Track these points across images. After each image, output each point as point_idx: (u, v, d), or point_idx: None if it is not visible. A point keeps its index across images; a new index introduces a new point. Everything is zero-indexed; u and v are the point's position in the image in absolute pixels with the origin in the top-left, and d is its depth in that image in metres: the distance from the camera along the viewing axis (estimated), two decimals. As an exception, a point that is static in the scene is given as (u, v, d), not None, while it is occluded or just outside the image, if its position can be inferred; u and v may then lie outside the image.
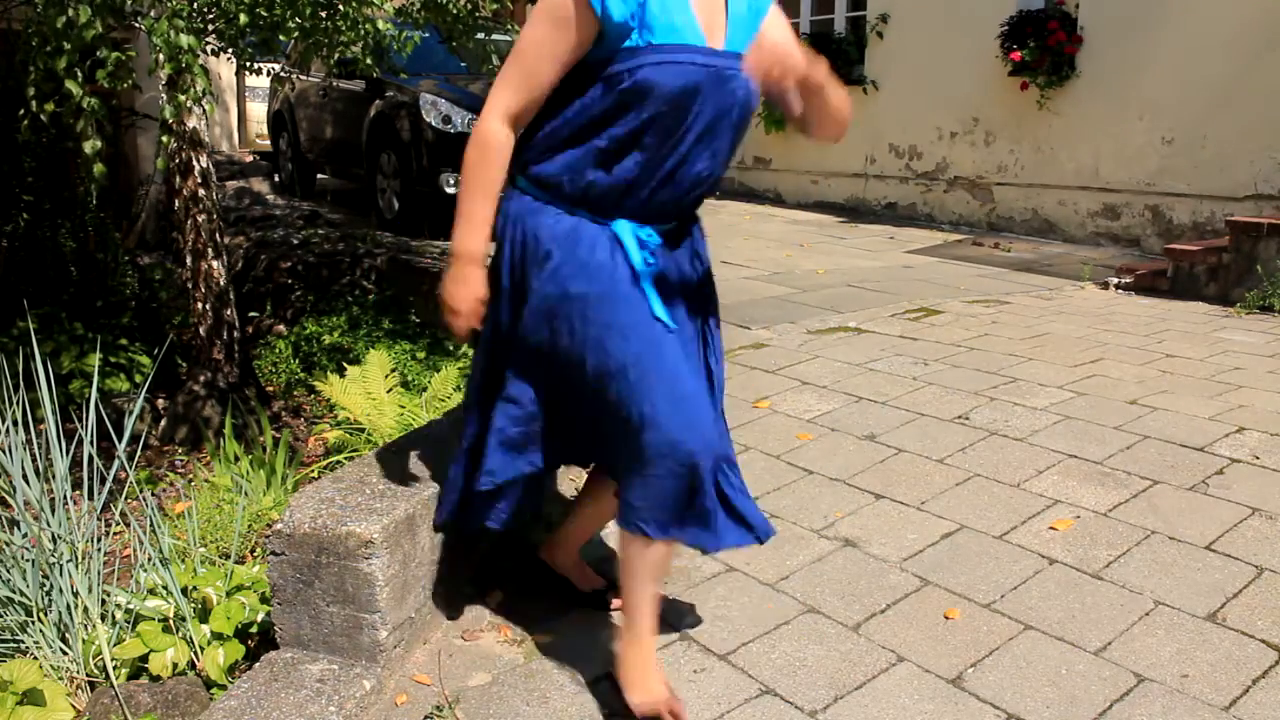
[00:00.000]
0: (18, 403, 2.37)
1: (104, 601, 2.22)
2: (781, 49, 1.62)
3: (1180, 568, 2.38)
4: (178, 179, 3.92)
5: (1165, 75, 6.56)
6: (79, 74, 2.78)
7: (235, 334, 4.05)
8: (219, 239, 3.99)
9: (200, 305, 3.96)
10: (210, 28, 3.54)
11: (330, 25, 3.58)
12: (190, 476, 3.43)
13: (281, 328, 5.74)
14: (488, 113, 1.75)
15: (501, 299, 1.87)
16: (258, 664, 2.00)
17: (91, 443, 2.33)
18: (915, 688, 1.95)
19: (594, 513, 2.24)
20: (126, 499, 2.50)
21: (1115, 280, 5.75)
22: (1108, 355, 4.20)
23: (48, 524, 2.23)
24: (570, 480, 2.84)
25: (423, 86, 6.90)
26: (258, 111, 11.02)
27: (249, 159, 11.08)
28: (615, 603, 2.17)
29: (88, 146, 2.84)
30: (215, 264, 3.95)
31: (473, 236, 1.80)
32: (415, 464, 2.27)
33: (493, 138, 1.75)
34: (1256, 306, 5.06)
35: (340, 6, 3.57)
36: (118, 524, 2.56)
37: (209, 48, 3.65)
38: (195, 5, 3.17)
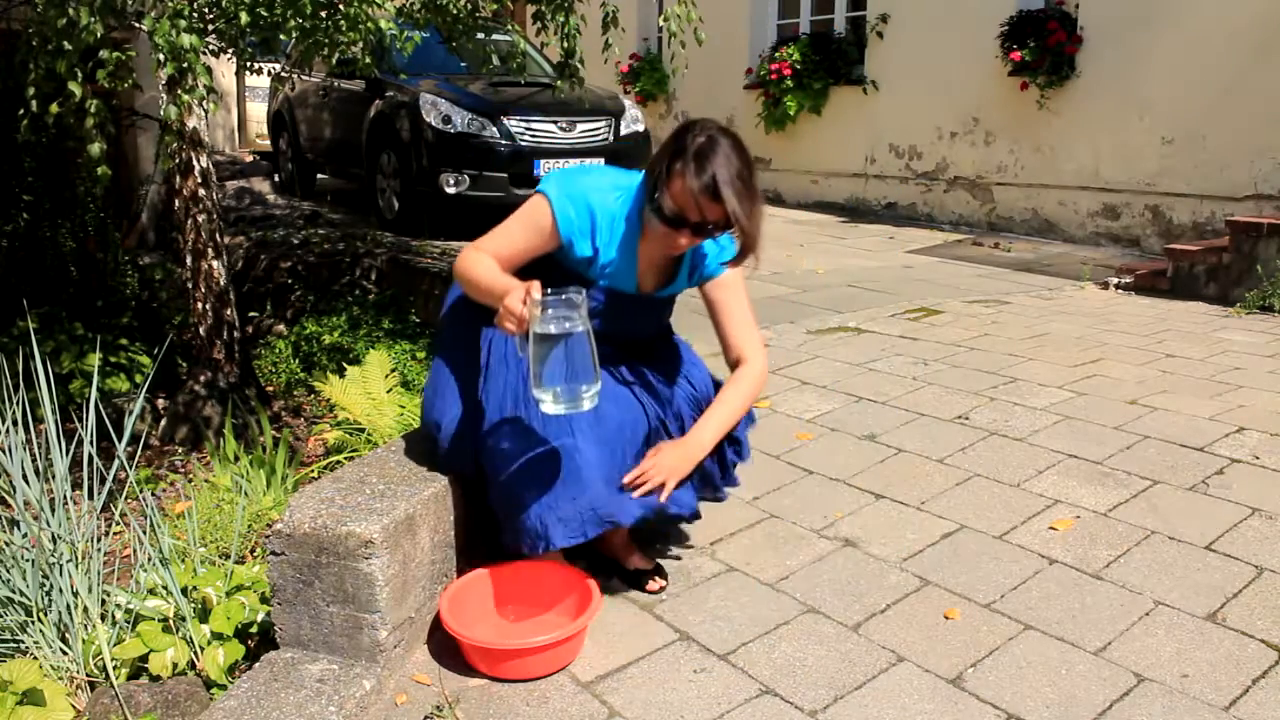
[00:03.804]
0: (18, 403, 2.37)
1: (104, 601, 2.22)
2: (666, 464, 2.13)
3: (1180, 568, 2.38)
4: (178, 179, 3.92)
5: (1165, 75, 6.56)
6: (79, 75, 2.77)
7: (235, 334, 4.05)
8: (219, 239, 3.99)
9: (200, 305, 3.96)
10: (211, 28, 3.54)
11: (330, 25, 3.58)
12: (190, 476, 3.43)
13: (281, 328, 5.74)
14: (472, 246, 2.12)
15: None
16: (258, 664, 2.00)
17: (91, 443, 2.33)
18: (915, 688, 1.95)
19: None
20: (126, 499, 2.50)
21: (1115, 280, 5.75)
22: (1108, 355, 4.20)
23: (48, 524, 2.23)
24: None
25: (423, 86, 6.90)
26: (258, 111, 11.03)
27: (249, 159, 11.08)
28: (652, 585, 2.33)
29: (94, 149, 2.83)
30: (215, 264, 3.95)
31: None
32: (415, 464, 2.27)
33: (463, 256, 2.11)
34: (1256, 306, 5.06)
35: (341, 6, 3.57)
36: (118, 524, 2.55)
37: (210, 48, 3.65)
38: (195, 5, 3.16)
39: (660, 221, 2.00)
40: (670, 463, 2.14)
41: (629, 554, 2.40)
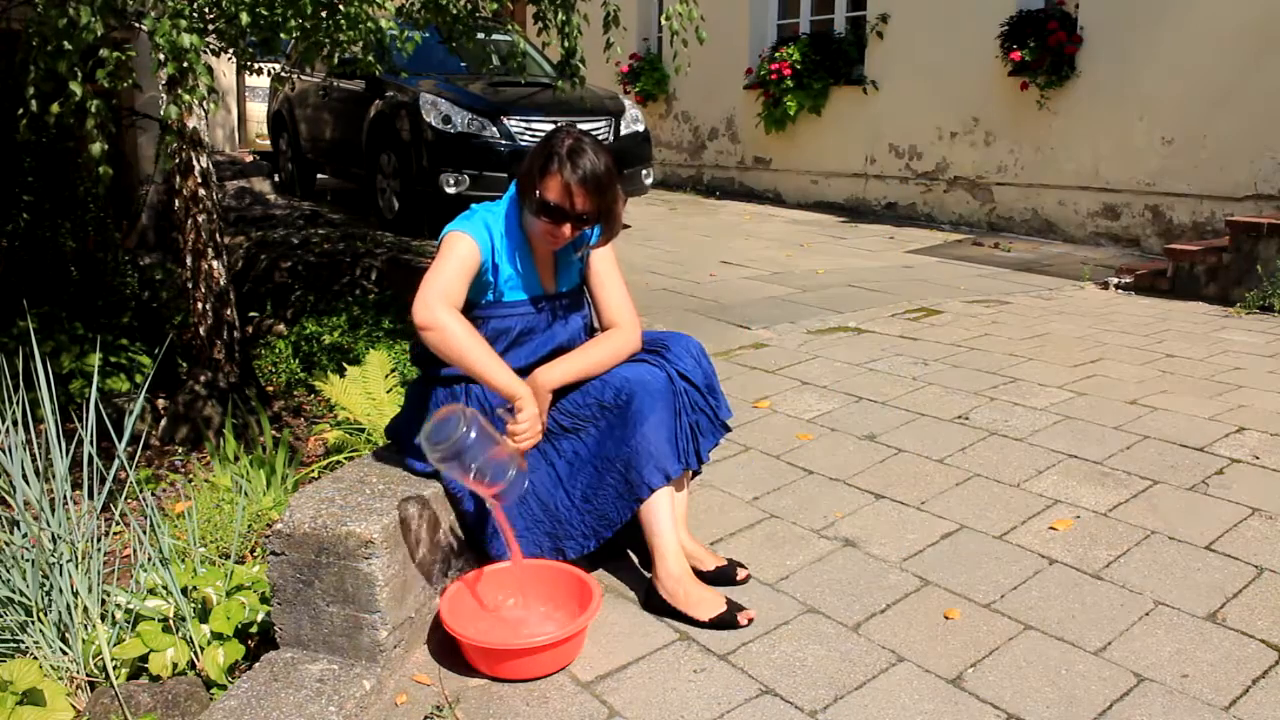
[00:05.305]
0: (18, 403, 2.37)
1: (104, 601, 2.22)
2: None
3: (1180, 568, 2.38)
4: (178, 179, 3.91)
5: (1165, 75, 6.57)
6: (79, 74, 2.77)
7: (235, 334, 4.05)
8: (219, 239, 3.99)
9: (200, 305, 3.96)
10: (211, 28, 3.54)
11: (330, 25, 3.57)
12: (190, 476, 3.43)
13: (281, 328, 5.73)
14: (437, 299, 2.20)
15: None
16: (258, 664, 2.00)
17: (91, 443, 2.33)
18: (915, 688, 1.95)
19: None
20: (126, 499, 2.50)
21: (1115, 280, 5.75)
22: (1108, 355, 4.20)
23: (48, 524, 2.23)
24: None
25: (423, 86, 6.89)
26: (258, 111, 11.02)
27: (249, 159, 11.07)
28: (740, 574, 2.38)
29: (94, 149, 2.83)
30: (215, 264, 3.94)
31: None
32: (415, 464, 2.27)
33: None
34: (1256, 306, 5.06)
35: (341, 7, 3.57)
36: (118, 524, 2.55)
37: (210, 48, 3.65)
38: (195, 5, 3.16)
39: (544, 216, 2.20)
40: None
41: (700, 556, 2.37)
